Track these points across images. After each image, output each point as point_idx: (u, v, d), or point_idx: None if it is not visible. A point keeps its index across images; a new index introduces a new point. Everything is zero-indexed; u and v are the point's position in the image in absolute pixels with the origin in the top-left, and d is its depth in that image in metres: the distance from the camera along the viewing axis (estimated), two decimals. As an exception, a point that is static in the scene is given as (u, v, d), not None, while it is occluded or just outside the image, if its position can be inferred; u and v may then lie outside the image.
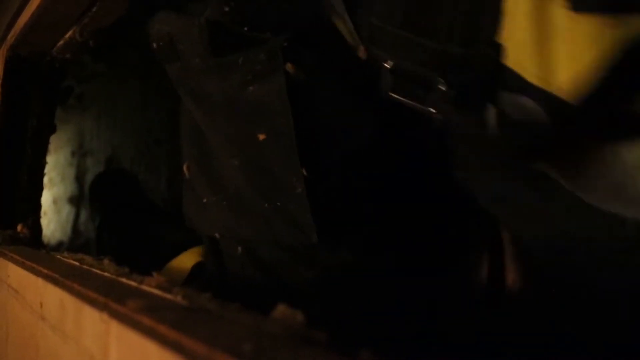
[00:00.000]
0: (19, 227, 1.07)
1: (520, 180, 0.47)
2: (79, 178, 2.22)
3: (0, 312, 0.76)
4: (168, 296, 0.38)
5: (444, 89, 0.46)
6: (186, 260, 0.83)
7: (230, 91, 0.56)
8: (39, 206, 1.16)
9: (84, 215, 2.26)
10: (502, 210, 0.52)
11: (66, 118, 2.17)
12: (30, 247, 0.90)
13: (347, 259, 0.55)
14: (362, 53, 0.54)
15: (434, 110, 0.48)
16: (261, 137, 0.54)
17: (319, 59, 0.55)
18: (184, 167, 0.64)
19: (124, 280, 0.46)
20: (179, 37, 0.57)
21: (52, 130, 1.17)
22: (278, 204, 0.54)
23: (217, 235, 0.62)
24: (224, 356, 0.23)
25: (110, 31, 0.94)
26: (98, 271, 0.53)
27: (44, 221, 1.18)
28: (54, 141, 1.18)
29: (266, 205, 0.55)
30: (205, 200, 0.61)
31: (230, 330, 0.27)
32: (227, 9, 0.54)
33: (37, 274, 0.56)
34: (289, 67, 0.52)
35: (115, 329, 0.34)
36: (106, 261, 0.55)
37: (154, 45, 0.61)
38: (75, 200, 2.39)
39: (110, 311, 0.35)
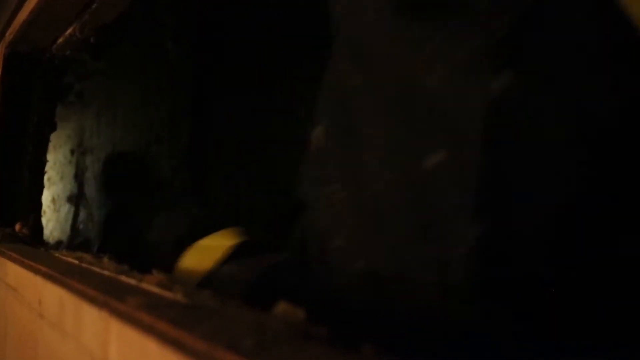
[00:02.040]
0: (18, 226, 1.07)
1: None
2: (78, 177, 2.21)
3: (-1, 310, 0.76)
4: (168, 294, 0.37)
5: None
6: (223, 239, 0.73)
7: (408, 74, 0.37)
8: (40, 205, 1.15)
9: (83, 214, 2.25)
10: None
11: (65, 115, 2.16)
12: (29, 246, 0.90)
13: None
14: None
15: None
16: (429, 161, 0.36)
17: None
18: (315, 132, 0.44)
19: (123, 278, 0.46)
20: None
21: (53, 127, 1.17)
22: (429, 252, 0.36)
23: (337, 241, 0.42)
24: (224, 352, 0.23)
25: (111, 27, 0.94)
26: (97, 269, 0.53)
27: (43, 220, 1.17)
28: (53, 139, 1.17)
29: (414, 246, 0.37)
30: (332, 188, 0.42)
31: (230, 327, 0.27)
32: None
33: (36, 271, 0.56)
34: (503, 80, 0.32)
35: (115, 326, 0.34)
36: (105, 259, 0.55)
37: None
38: (74, 199, 2.39)
39: (109, 309, 0.35)
